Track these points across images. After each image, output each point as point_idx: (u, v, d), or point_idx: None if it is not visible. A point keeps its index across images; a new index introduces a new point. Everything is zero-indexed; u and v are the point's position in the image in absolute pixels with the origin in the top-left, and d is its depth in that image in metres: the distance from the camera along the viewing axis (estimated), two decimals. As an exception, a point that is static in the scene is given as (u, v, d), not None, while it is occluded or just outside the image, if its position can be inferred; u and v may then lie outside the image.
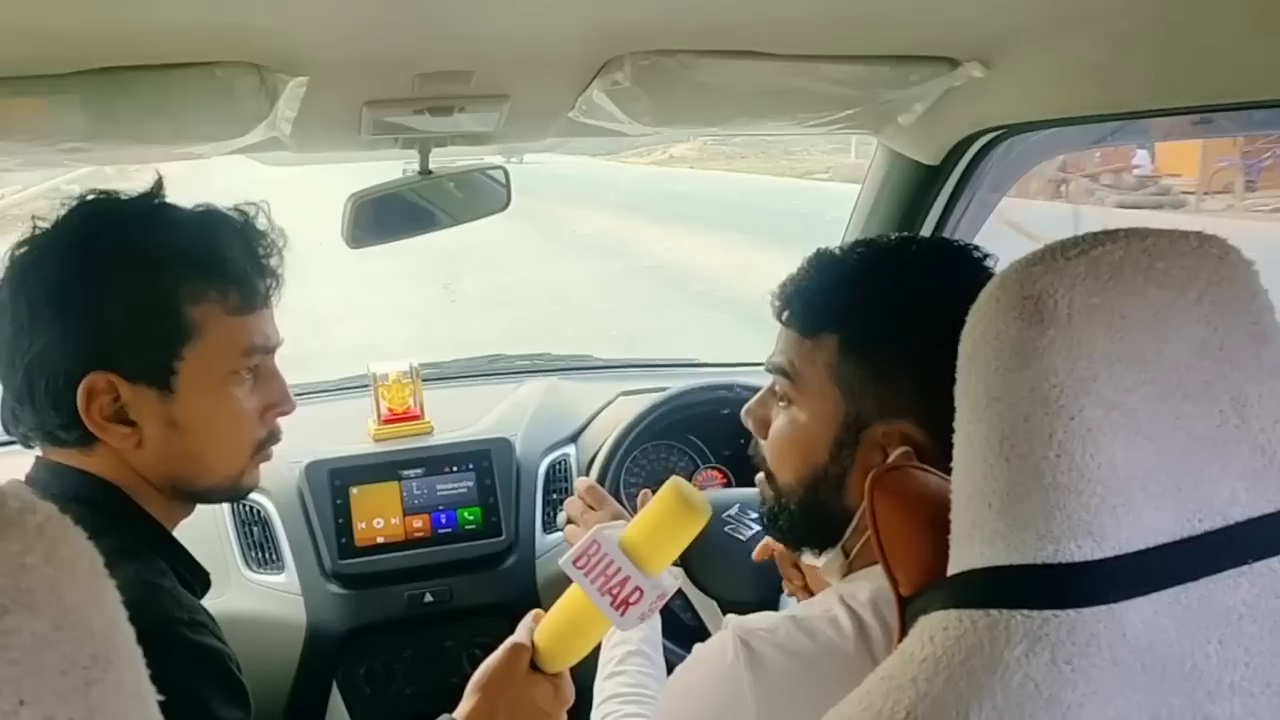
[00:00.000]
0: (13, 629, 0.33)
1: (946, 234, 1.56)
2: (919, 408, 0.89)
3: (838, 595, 0.89)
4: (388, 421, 1.95)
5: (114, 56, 0.93)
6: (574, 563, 1.04)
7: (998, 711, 0.56)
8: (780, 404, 1.00)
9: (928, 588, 0.66)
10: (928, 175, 1.53)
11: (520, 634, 1.13)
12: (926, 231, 1.57)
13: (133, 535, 0.98)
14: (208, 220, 1.02)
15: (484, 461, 1.87)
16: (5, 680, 0.32)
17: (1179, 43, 0.97)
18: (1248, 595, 0.59)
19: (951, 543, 0.64)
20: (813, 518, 0.98)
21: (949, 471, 0.66)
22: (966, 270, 0.93)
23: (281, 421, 1.11)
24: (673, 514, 1.04)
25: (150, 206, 1.01)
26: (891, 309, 0.91)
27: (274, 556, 1.77)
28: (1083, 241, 0.61)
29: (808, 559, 1.02)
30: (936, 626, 0.61)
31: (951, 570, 0.64)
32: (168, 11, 0.84)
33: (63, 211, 0.98)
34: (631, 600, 1.02)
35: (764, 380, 1.78)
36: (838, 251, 1.00)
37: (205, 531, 1.73)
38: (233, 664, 0.95)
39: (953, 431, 0.82)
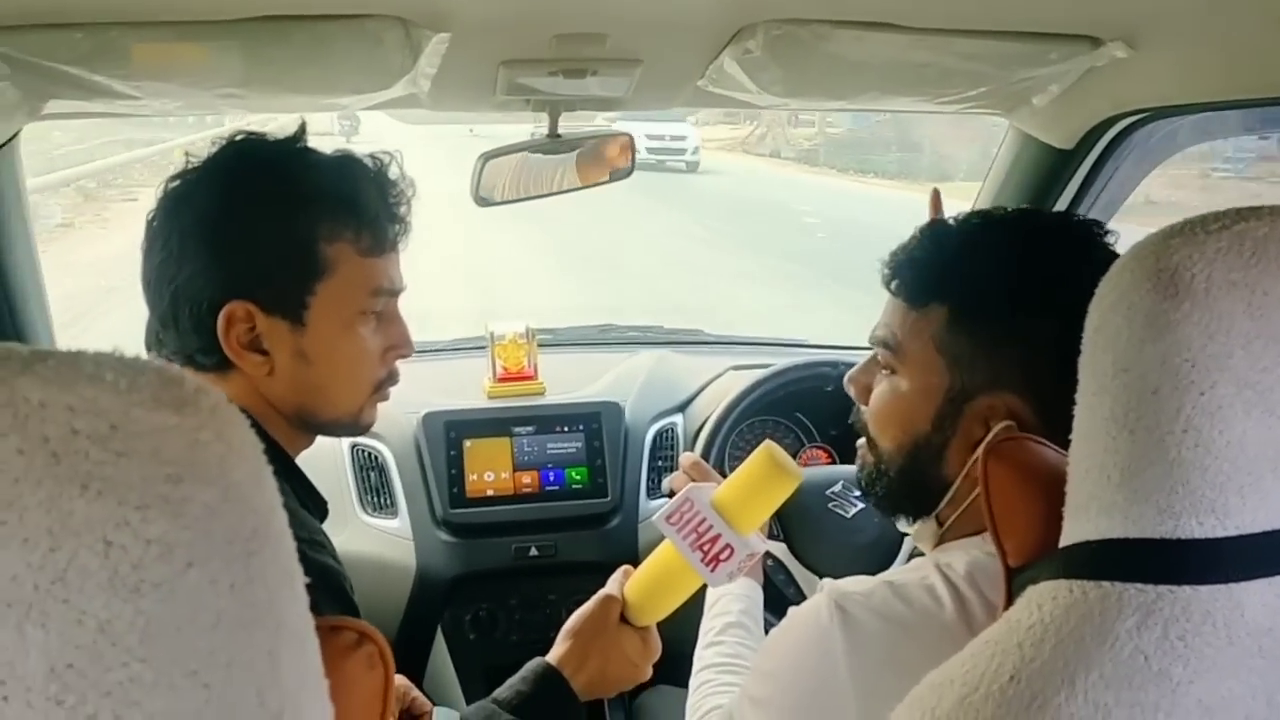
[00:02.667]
0: (187, 497, 0.36)
1: (1077, 219, 1.52)
2: (1024, 382, 0.88)
3: (934, 564, 0.89)
4: (502, 380, 2.00)
5: (272, 6, 0.98)
6: (667, 519, 1.07)
7: (1104, 681, 0.56)
8: (884, 372, 1.00)
9: (1037, 559, 0.66)
10: (1060, 160, 1.49)
11: (611, 586, 1.16)
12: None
13: None
14: (345, 164, 1.06)
15: (594, 424, 1.91)
16: (177, 543, 0.35)
17: None
18: None
19: (1066, 514, 0.64)
20: (910, 486, 0.98)
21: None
22: (1085, 247, 0.91)
23: (402, 369, 1.16)
24: (764, 475, 1.06)
25: (295, 148, 1.05)
26: (1002, 282, 0.90)
27: (389, 502, 1.84)
28: (1225, 216, 0.59)
29: (902, 526, 1.03)
30: (1045, 595, 0.61)
31: (1064, 542, 0.63)
32: None
33: (214, 149, 1.03)
34: (722, 557, 1.04)
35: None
36: (952, 223, 0.99)
37: (326, 474, 1.80)
38: (347, 584, 1.00)
39: (1057, 407, 0.80)
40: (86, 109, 1.22)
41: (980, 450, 0.72)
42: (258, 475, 0.39)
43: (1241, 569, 0.56)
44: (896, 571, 0.92)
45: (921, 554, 1.02)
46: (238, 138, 1.03)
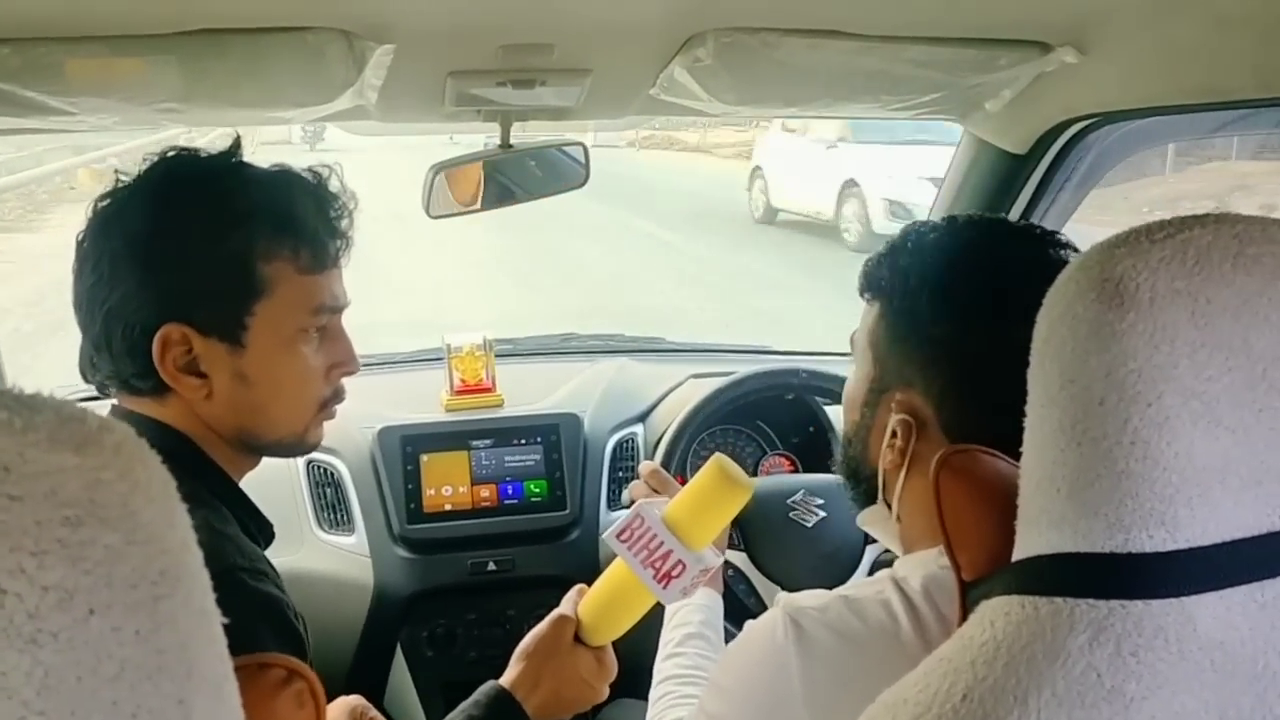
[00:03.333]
0: (86, 540, 0.34)
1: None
2: (924, 380, 0.92)
3: (891, 578, 0.89)
4: (460, 392, 1.98)
5: (210, 19, 0.96)
6: (618, 536, 1.06)
7: (1057, 699, 0.55)
8: None
9: (991, 574, 0.65)
10: (1014, 165, 1.49)
11: (565, 606, 1.15)
12: (1011, 221, 1.53)
13: (201, 483, 1.00)
14: (282, 179, 1.04)
15: (552, 436, 1.89)
16: (77, 590, 0.34)
17: None
18: None
19: (1018, 528, 0.63)
20: (852, 471, 1.04)
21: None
22: (1011, 247, 0.95)
23: (357, 387, 1.14)
24: (715, 489, 1.05)
25: (229, 164, 1.02)
26: (918, 283, 0.93)
27: (345, 518, 1.81)
28: (1169, 225, 0.59)
29: (860, 519, 1.05)
30: (998, 612, 0.60)
31: (1017, 556, 0.63)
32: None
33: (145, 166, 1.00)
34: (674, 574, 1.03)
35: (832, 368, 1.77)
36: (917, 226, 1.00)
37: (280, 491, 1.78)
38: (290, 612, 0.97)
39: (953, 407, 0.89)
40: (20, 125, 1.19)
41: (934, 464, 0.72)
42: (168, 514, 0.37)
43: (1192, 582, 0.55)
44: (853, 586, 0.92)
45: (886, 563, 1.02)
46: (169, 154, 1.01)
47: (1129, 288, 0.56)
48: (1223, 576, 0.56)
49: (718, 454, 1.07)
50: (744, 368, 1.96)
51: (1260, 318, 0.56)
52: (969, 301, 0.89)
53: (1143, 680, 0.55)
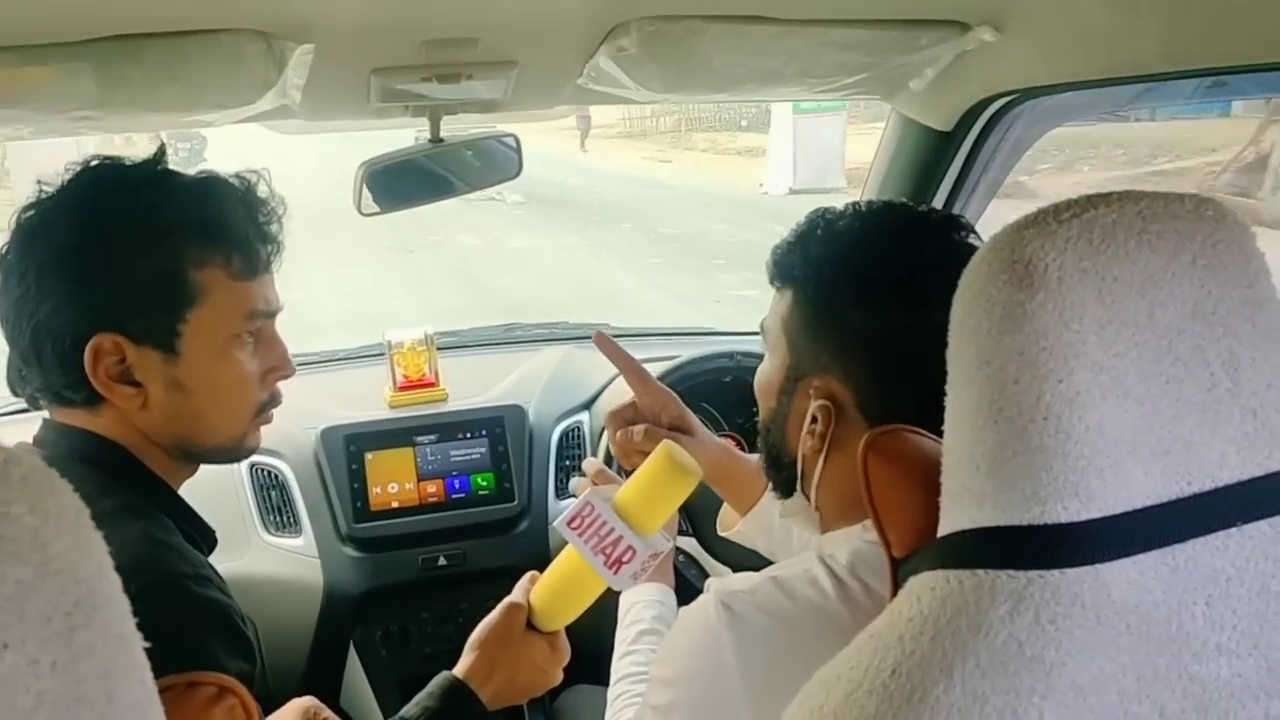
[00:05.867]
0: None
1: (961, 199, 1.55)
2: (842, 366, 0.93)
3: (817, 555, 0.90)
4: (403, 389, 1.97)
5: (123, 24, 0.94)
6: (568, 523, 1.07)
7: (981, 670, 0.57)
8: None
9: (919, 549, 0.67)
10: (941, 141, 1.52)
11: (517, 594, 1.16)
12: (940, 197, 1.56)
13: (139, 493, 1.00)
14: (210, 186, 1.03)
15: (497, 428, 1.90)
16: None
17: (1188, 5, 0.96)
18: (1236, 557, 0.59)
19: (942, 504, 0.65)
20: (772, 460, 1.04)
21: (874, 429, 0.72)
22: (921, 241, 0.94)
23: (298, 386, 1.13)
24: (664, 476, 1.06)
25: (155, 172, 1.02)
26: (830, 270, 0.94)
27: (291, 520, 1.80)
28: (1076, 205, 0.61)
29: (780, 508, 1.07)
30: (924, 587, 0.62)
31: (941, 531, 0.64)
32: None
33: (68, 176, 0.99)
34: (624, 559, 1.05)
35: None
36: (824, 213, 1.01)
37: (225, 496, 1.76)
38: (237, 617, 0.97)
39: (871, 391, 0.91)
40: (-73, 137, 1.16)
41: (861, 445, 0.73)
42: (81, 543, 0.37)
43: (1106, 550, 0.57)
44: (781, 566, 0.93)
45: None
46: (92, 163, 0.99)
47: (1038, 268, 0.58)
48: (1135, 543, 0.58)
49: (665, 440, 1.08)
50: (687, 351, 1.98)
51: (1165, 292, 0.58)
52: (885, 289, 0.90)
53: (1061, 646, 0.57)
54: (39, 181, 0.99)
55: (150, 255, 0.97)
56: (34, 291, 0.95)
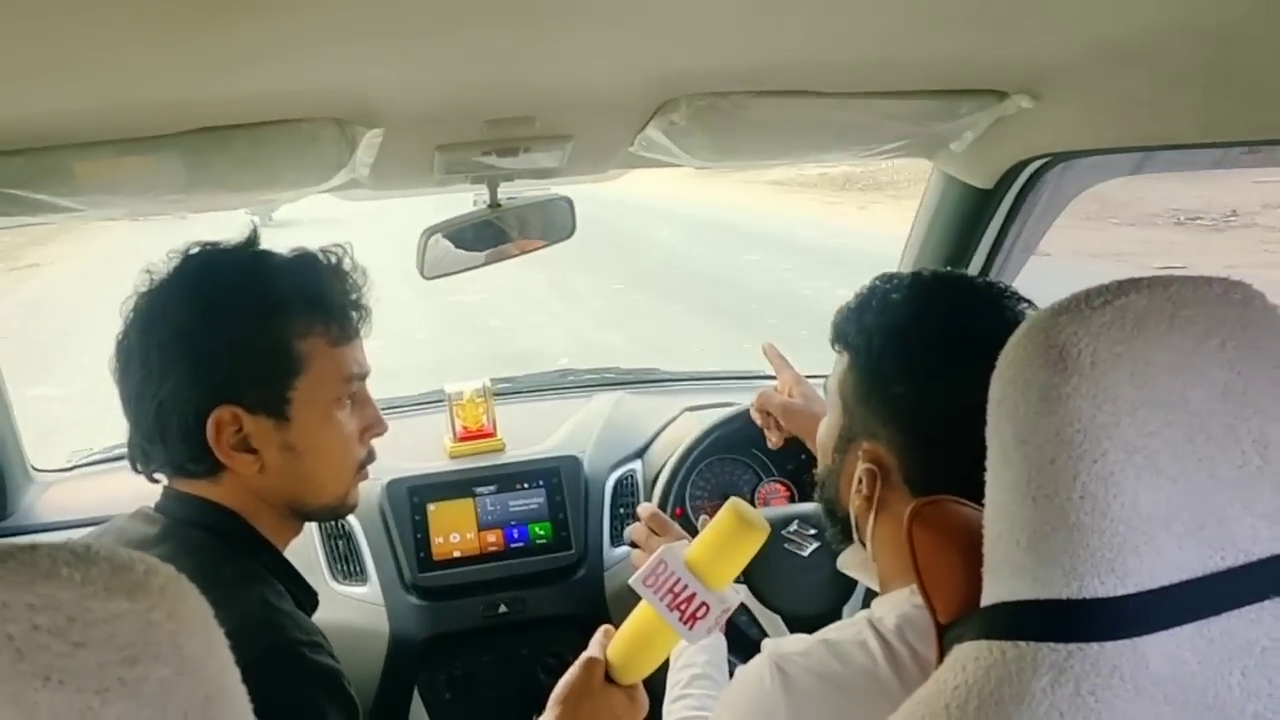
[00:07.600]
0: (143, 677, 0.39)
1: (1001, 256, 1.58)
2: (889, 434, 0.97)
3: (867, 620, 0.94)
4: (463, 439, 2.03)
5: (211, 119, 1.01)
6: (644, 582, 1.10)
7: None
8: None
9: (963, 617, 0.70)
10: (982, 198, 1.55)
11: (594, 649, 1.19)
12: (981, 254, 1.59)
13: (255, 558, 1.07)
14: (306, 262, 1.11)
15: (553, 479, 1.94)
16: None
17: (1227, 80, 0.98)
18: (1270, 628, 0.61)
19: (985, 575, 0.68)
20: (829, 512, 1.10)
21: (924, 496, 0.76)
22: (970, 310, 0.98)
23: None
24: (733, 533, 1.09)
25: (255, 253, 1.10)
26: (881, 340, 0.98)
27: (358, 569, 1.85)
28: (1108, 290, 0.64)
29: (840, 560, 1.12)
30: (969, 656, 0.65)
31: (985, 602, 0.67)
32: (258, 78, 0.92)
33: (175, 263, 1.07)
34: (699, 615, 1.08)
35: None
36: (886, 280, 1.05)
37: (295, 545, 1.82)
38: (345, 681, 1.02)
39: (915, 460, 0.95)
40: (28, 221, 1.25)
41: (906, 515, 0.77)
42: (209, 644, 0.42)
43: (1144, 624, 0.60)
44: (833, 628, 0.96)
45: (875, 592, 1.07)
46: (193, 250, 1.07)
47: (1072, 354, 0.61)
48: (1172, 616, 0.60)
49: (733, 499, 1.12)
50: (737, 396, 2.01)
51: (1196, 374, 0.61)
52: (928, 366, 0.94)
53: (1101, 717, 0.59)
54: (148, 270, 1.07)
55: (262, 330, 1.04)
56: (156, 372, 1.03)
